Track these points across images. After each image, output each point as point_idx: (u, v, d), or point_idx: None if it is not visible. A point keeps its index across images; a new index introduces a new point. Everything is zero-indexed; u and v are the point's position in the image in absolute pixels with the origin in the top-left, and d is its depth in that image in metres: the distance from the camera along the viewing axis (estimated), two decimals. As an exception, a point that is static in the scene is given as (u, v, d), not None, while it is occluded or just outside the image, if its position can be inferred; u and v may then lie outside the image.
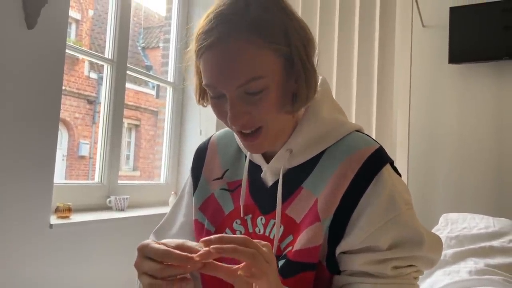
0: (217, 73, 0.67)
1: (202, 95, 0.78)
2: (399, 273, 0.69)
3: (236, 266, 0.56)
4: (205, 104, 0.79)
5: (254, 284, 0.57)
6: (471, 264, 1.61)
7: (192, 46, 0.71)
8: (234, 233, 0.79)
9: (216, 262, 0.56)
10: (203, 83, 0.71)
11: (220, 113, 0.72)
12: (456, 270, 1.59)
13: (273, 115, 0.70)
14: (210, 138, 0.93)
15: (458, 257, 1.68)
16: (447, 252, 1.72)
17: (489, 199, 2.47)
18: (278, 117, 0.72)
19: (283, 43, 0.68)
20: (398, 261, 0.69)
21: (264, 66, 0.67)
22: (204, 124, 2.73)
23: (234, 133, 0.77)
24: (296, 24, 0.71)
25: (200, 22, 0.70)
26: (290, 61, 0.70)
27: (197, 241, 0.83)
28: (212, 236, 0.56)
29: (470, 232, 1.82)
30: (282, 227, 0.74)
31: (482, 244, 1.72)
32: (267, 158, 0.80)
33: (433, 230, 1.87)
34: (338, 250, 0.70)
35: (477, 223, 1.90)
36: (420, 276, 0.75)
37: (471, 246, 1.72)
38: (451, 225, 1.93)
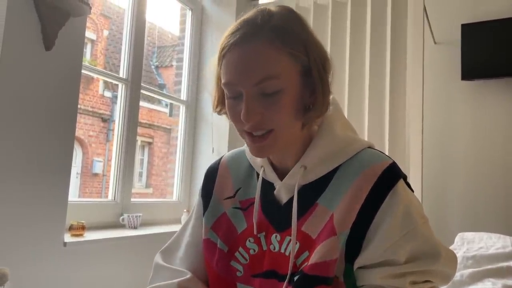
0: (236, 70, 0.70)
1: (220, 102, 0.80)
2: None
3: None
4: (221, 112, 0.81)
5: None
6: (488, 285, 1.57)
7: (216, 55, 0.75)
8: (248, 252, 0.79)
9: None
10: (223, 82, 0.73)
11: (234, 114, 0.73)
12: (473, 291, 1.55)
13: (285, 120, 0.72)
14: (221, 158, 0.94)
15: (475, 278, 1.64)
16: (464, 272, 1.68)
17: (506, 217, 2.42)
18: (290, 125, 0.73)
19: (302, 52, 0.72)
20: (416, 276, 0.69)
21: (280, 68, 0.70)
22: (217, 142, 2.74)
23: (244, 140, 0.76)
24: (315, 41, 0.75)
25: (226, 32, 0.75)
26: (308, 71, 0.73)
27: (208, 260, 0.84)
28: None
29: (487, 252, 1.78)
30: (298, 244, 0.74)
31: (500, 265, 1.68)
32: (280, 175, 0.80)
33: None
34: (356, 265, 0.70)
35: (494, 242, 1.86)
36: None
37: (489, 267, 1.68)
38: (467, 245, 1.89)
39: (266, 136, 0.72)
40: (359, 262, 0.70)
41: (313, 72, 0.72)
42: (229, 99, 0.74)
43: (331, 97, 0.80)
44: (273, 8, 0.74)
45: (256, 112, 0.70)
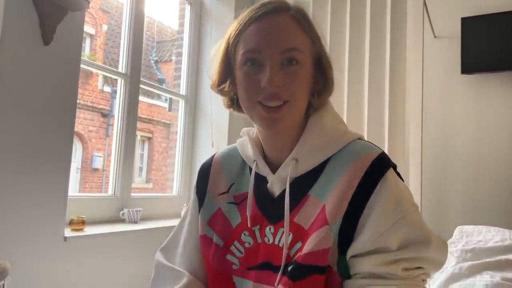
0: (265, 37, 0.75)
1: (223, 79, 0.82)
2: (409, 275, 0.70)
3: None
4: (223, 91, 0.82)
5: None
6: (487, 277, 1.58)
7: (231, 29, 0.79)
8: (243, 245, 0.81)
9: None
10: (246, 49, 0.75)
11: (251, 81, 0.75)
12: (472, 283, 1.56)
13: (300, 92, 0.76)
14: (213, 156, 0.95)
15: (474, 270, 1.65)
16: (462, 265, 1.69)
17: (505, 211, 2.42)
18: (302, 100, 0.77)
19: (317, 41, 0.79)
20: (408, 262, 0.70)
21: (303, 45, 0.77)
22: (216, 136, 2.75)
23: (254, 113, 0.77)
24: (324, 39, 0.82)
25: (244, 11, 0.79)
26: (319, 60, 0.80)
27: (205, 255, 0.85)
28: None
29: (486, 245, 1.78)
30: (291, 235, 0.75)
31: (498, 257, 1.69)
32: (273, 168, 0.82)
33: (447, 243, 1.84)
34: (349, 253, 0.71)
35: (493, 235, 1.87)
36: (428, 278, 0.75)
37: (487, 259, 1.68)
38: (466, 238, 1.90)
39: (280, 108, 0.74)
40: (351, 250, 0.71)
41: (324, 62, 0.80)
42: (247, 67, 0.76)
43: None
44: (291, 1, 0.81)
45: (278, 78, 0.73)
